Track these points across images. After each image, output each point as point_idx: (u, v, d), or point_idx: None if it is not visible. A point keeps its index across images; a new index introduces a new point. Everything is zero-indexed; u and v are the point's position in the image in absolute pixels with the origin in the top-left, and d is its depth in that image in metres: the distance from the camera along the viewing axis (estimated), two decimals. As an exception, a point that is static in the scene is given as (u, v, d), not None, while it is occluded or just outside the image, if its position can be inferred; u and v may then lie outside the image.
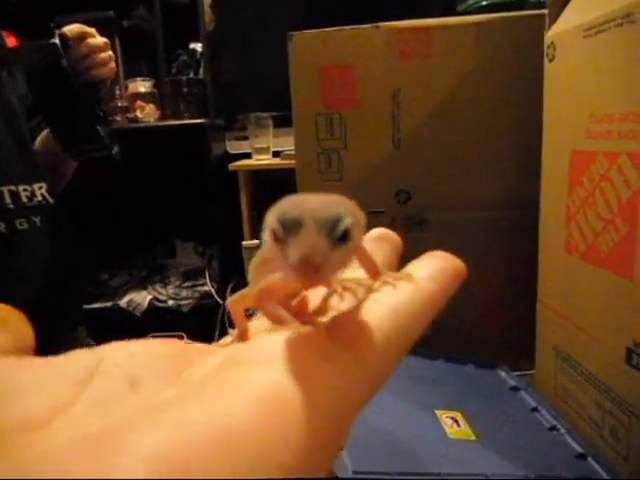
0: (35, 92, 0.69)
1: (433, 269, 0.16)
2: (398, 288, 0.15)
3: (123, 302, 1.47)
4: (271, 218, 0.14)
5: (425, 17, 0.59)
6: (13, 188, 0.66)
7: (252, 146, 1.45)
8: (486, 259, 0.61)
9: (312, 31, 0.62)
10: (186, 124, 1.46)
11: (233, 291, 1.36)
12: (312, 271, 0.13)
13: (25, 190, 0.68)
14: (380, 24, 0.60)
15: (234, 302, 0.20)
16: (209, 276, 1.53)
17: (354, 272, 0.17)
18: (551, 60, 0.47)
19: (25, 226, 0.67)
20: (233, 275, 1.47)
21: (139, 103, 1.48)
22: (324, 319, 0.15)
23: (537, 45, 0.48)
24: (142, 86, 1.51)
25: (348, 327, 0.14)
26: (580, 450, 0.39)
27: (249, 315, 0.20)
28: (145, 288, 1.53)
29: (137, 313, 1.44)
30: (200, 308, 1.47)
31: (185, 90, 1.49)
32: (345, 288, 0.17)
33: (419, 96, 0.60)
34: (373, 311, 0.14)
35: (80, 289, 0.86)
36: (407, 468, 0.34)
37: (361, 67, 0.61)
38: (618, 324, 0.37)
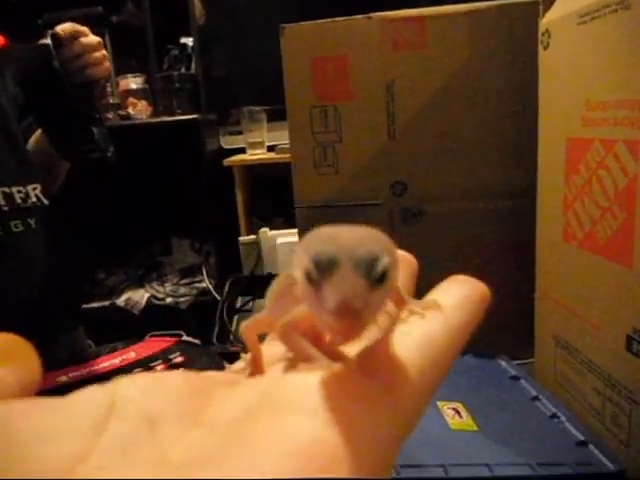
0: (27, 94, 0.68)
1: (459, 296, 0.15)
2: (427, 318, 0.14)
3: (121, 301, 1.46)
4: (303, 256, 0.13)
5: (418, 6, 0.59)
6: (7, 190, 0.66)
7: (246, 141, 1.44)
8: (484, 249, 0.60)
9: (304, 23, 0.61)
10: (179, 120, 1.45)
11: (231, 287, 1.36)
12: (352, 316, 0.12)
13: (19, 192, 0.67)
14: (373, 15, 0.59)
15: (248, 328, 0.19)
16: (206, 272, 1.52)
17: None
18: (546, 48, 0.47)
19: (20, 228, 0.66)
20: (230, 271, 1.47)
21: (131, 100, 1.46)
22: (351, 352, 0.14)
23: (532, 33, 0.48)
24: (133, 82, 1.50)
25: (382, 364, 0.13)
26: (581, 437, 0.39)
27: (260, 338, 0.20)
28: (142, 286, 1.53)
29: (135, 312, 1.44)
30: (198, 305, 1.47)
31: (177, 85, 1.48)
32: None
33: (413, 86, 0.60)
34: (404, 344, 0.13)
35: (77, 289, 0.86)
36: (410, 460, 0.34)
37: (354, 58, 0.60)
38: (617, 312, 0.37)
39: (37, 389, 0.13)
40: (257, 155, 1.43)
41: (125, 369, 0.52)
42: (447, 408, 0.42)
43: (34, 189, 0.69)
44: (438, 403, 0.42)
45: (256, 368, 0.18)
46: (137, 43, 1.54)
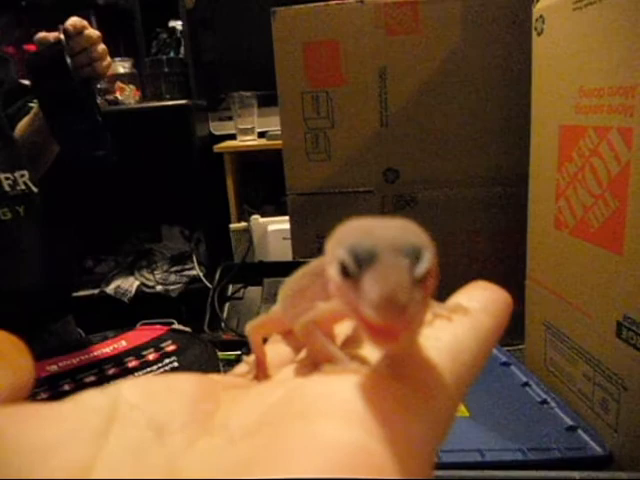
0: (38, 87, 0.66)
1: (485, 301, 0.14)
2: (454, 322, 0.13)
3: (110, 289, 1.45)
4: (337, 249, 0.12)
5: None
6: None
7: (236, 127, 1.43)
8: (476, 236, 0.61)
9: (296, 7, 0.60)
10: (168, 105, 1.43)
11: (222, 274, 1.35)
12: (397, 313, 0.11)
13: (7, 179, 0.66)
14: (365, -1, 0.58)
15: (254, 328, 0.18)
16: (197, 260, 1.52)
17: None
18: (540, 34, 0.46)
19: (9, 216, 0.65)
20: (221, 258, 1.47)
21: (119, 84, 1.44)
22: (373, 354, 0.13)
23: (526, 18, 0.47)
24: (121, 67, 1.47)
25: (415, 368, 0.12)
26: (570, 423, 0.40)
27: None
28: (132, 274, 1.51)
29: (125, 300, 1.43)
30: (189, 293, 1.46)
31: (166, 70, 1.46)
32: None
33: (406, 73, 0.59)
34: (434, 348, 0.12)
35: (67, 278, 0.85)
36: (403, 447, 0.34)
37: (346, 43, 0.60)
38: (608, 298, 0.38)
39: (30, 390, 0.12)
40: (248, 141, 1.42)
41: (117, 358, 0.52)
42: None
43: (22, 176, 0.68)
44: (430, 390, 0.42)
45: (260, 371, 0.17)
46: (125, 26, 1.51)
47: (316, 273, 0.16)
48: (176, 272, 1.51)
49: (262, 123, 1.41)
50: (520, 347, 0.54)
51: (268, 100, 1.30)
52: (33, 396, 0.42)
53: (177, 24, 1.53)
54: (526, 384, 0.46)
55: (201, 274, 1.47)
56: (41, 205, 0.71)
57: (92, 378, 0.48)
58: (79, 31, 0.65)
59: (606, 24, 0.37)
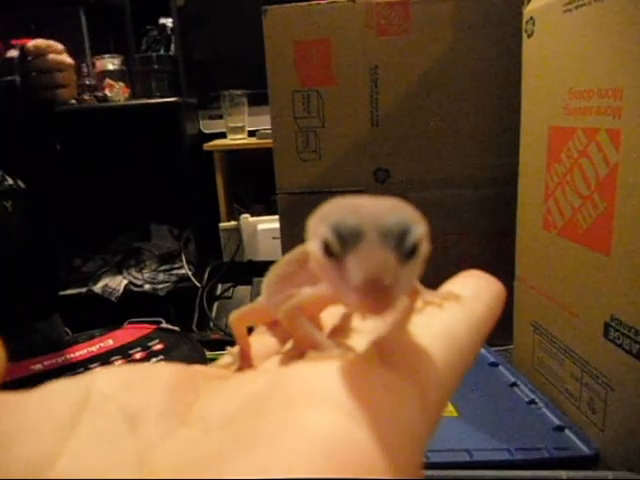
0: None
1: (477, 288, 0.14)
2: (446, 309, 0.13)
3: (98, 288, 1.44)
4: (320, 227, 0.11)
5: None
6: None
7: (227, 125, 1.42)
8: (465, 236, 0.61)
9: (288, 5, 0.60)
10: (158, 103, 1.42)
11: (211, 274, 1.35)
12: (381, 294, 0.10)
13: None
14: (357, -2, 0.58)
15: (237, 319, 0.18)
16: (186, 259, 1.51)
17: None
18: (530, 36, 0.47)
19: None
20: (210, 257, 1.46)
21: (108, 81, 1.43)
22: (364, 342, 0.13)
23: (517, 20, 0.47)
24: (110, 63, 1.46)
25: (404, 354, 0.11)
26: (558, 422, 0.40)
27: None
28: (120, 273, 1.50)
29: (113, 299, 1.42)
30: (177, 292, 1.45)
31: (156, 67, 1.45)
32: None
33: (397, 73, 0.59)
34: (425, 335, 0.12)
35: (54, 275, 0.84)
36: (391, 447, 0.34)
37: (338, 42, 0.59)
38: (596, 299, 0.38)
39: (1, 379, 0.12)
40: (238, 140, 1.41)
41: (103, 357, 0.51)
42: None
43: None
44: (419, 390, 0.42)
45: (245, 363, 0.17)
46: (114, 23, 1.50)
47: (301, 259, 0.15)
48: (165, 271, 1.50)
49: (252, 122, 1.41)
50: (508, 347, 0.54)
51: (259, 99, 1.29)
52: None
53: (167, 21, 1.52)
54: (514, 384, 0.46)
55: (190, 273, 1.46)
56: (29, 201, 0.70)
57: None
58: (40, 53, 0.65)
59: (596, 27, 0.37)
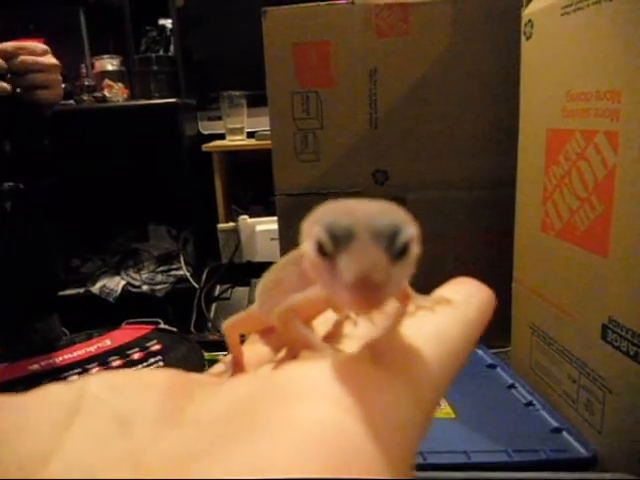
0: None
1: (467, 294, 0.14)
2: (437, 312, 0.13)
3: (95, 288, 1.44)
4: (314, 227, 0.11)
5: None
6: None
7: (225, 126, 1.42)
8: (464, 238, 0.61)
9: (287, 7, 0.60)
10: (157, 104, 1.42)
11: (209, 275, 1.34)
12: (372, 292, 0.11)
13: None
14: (356, 0, 0.58)
15: (230, 326, 0.18)
16: (184, 260, 1.51)
17: None
18: (528, 38, 0.47)
19: None
20: (208, 259, 1.46)
21: (107, 82, 1.42)
22: (353, 347, 0.13)
23: (516, 22, 0.47)
24: (109, 64, 1.46)
25: (397, 355, 0.12)
26: (555, 424, 0.40)
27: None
28: (118, 274, 1.50)
29: (110, 299, 1.42)
30: (175, 293, 1.45)
31: (155, 68, 1.45)
32: (359, 313, 0.15)
33: (396, 74, 0.59)
34: (416, 337, 0.12)
35: (53, 275, 0.84)
36: (389, 448, 0.34)
37: (337, 44, 0.60)
38: (593, 301, 0.38)
39: None
40: (237, 141, 1.41)
41: (101, 357, 0.51)
42: (425, 396, 0.42)
43: None
44: (417, 391, 0.42)
45: (237, 371, 0.17)
46: (114, 23, 1.50)
47: (294, 262, 0.15)
48: (163, 272, 1.49)
49: (251, 123, 1.41)
50: (506, 349, 0.54)
51: (258, 100, 1.29)
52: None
53: (167, 22, 1.52)
54: (512, 386, 0.46)
55: (188, 274, 1.46)
56: (28, 202, 0.70)
57: (75, 378, 0.47)
58: (11, 54, 0.64)
59: (594, 29, 0.37)
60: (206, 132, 1.53)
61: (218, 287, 1.30)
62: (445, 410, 0.41)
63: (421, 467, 0.33)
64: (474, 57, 0.58)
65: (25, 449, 0.09)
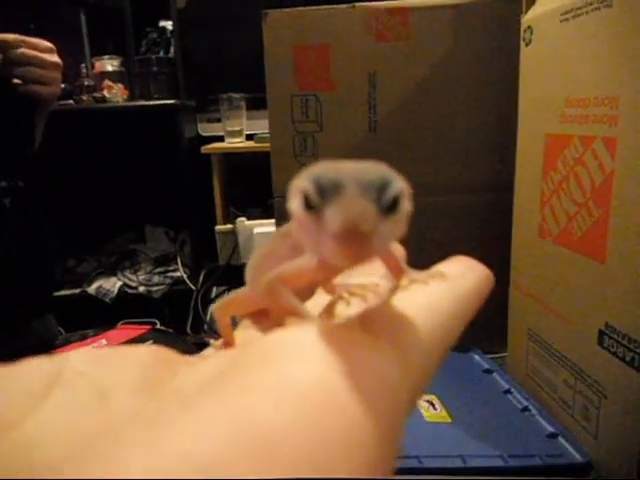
0: None
1: (464, 270, 0.14)
2: (430, 286, 0.13)
3: (92, 289, 1.43)
4: (301, 182, 0.11)
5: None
6: None
7: (224, 129, 1.42)
8: (461, 243, 0.61)
9: (287, 10, 0.60)
10: (156, 105, 1.42)
11: (206, 277, 1.34)
12: (359, 243, 0.10)
13: None
14: (357, 4, 0.59)
15: (221, 308, 0.17)
16: (181, 262, 1.50)
17: (367, 277, 0.15)
18: (527, 44, 0.47)
19: None
20: (206, 260, 1.46)
21: (107, 82, 1.43)
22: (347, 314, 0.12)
23: (516, 28, 0.48)
24: (109, 64, 1.46)
25: (387, 323, 0.11)
26: (551, 430, 0.40)
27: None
28: (115, 274, 1.50)
29: (107, 300, 1.41)
30: (172, 294, 1.45)
31: (155, 69, 1.45)
32: (352, 294, 0.15)
33: (395, 79, 0.60)
34: (408, 308, 0.12)
35: (49, 274, 0.83)
36: (384, 451, 0.34)
37: (337, 48, 0.60)
38: (590, 306, 0.38)
39: None
40: (236, 143, 1.41)
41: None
42: (422, 400, 0.42)
43: None
44: (413, 395, 0.42)
45: None
46: (114, 24, 1.50)
47: (284, 235, 0.15)
48: (160, 273, 1.49)
49: (251, 125, 1.41)
50: (503, 355, 0.54)
51: (257, 103, 1.29)
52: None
53: (167, 24, 1.52)
54: (508, 391, 0.46)
55: (185, 276, 1.45)
56: (27, 199, 0.70)
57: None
58: (11, 46, 0.64)
59: (592, 36, 0.37)
60: (205, 134, 1.53)
61: (215, 289, 1.30)
62: (441, 414, 0.41)
63: (417, 471, 0.33)
64: (474, 62, 0.58)
65: None
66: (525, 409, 0.43)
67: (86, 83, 1.44)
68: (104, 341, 0.54)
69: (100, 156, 1.49)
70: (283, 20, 0.60)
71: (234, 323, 0.18)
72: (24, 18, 1.40)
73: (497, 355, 0.54)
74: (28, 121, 0.69)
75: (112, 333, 0.56)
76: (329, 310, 0.15)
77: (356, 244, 0.10)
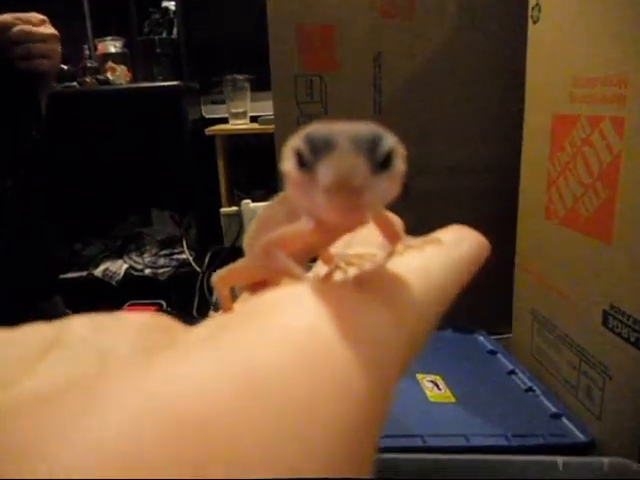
0: None
1: (459, 236, 0.14)
2: (425, 251, 0.13)
3: (98, 271, 1.44)
4: (294, 141, 0.11)
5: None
6: None
7: (228, 110, 1.41)
8: (468, 224, 0.61)
9: (291, -12, 0.59)
10: (160, 86, 1.41)
11: (211, 259, 1.35)
12: (351, 198, 0.10)
13: None
14: (361, -18, 0.58)
15: (221, 279, 0.17)
16: (186, 244, 1.51)
17: (365, 247, 0.15)
18: (535, 22, 0.46)
19: None
20: (211, 243, 1.46)
21: (110, 64, 1.42)
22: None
23: (523, 5, 0.47)
24: (112, 46, 1.45)
25: (381, 282, 0.11)
26: (555, 410, 0.41)
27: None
28: (121, 257, 1.50)
29: (113, 282, 1.42)
30: (178, 276, 1.46)
31: (158, 51, 1.44)
32: (349, 263, 0.15)
33: (401, 58, 0.59)
34: (402, 271, 0.12)
35: (55, 257, 0.84)
36: (390, 431, 0.34)
37: (341, 27, 0.59)
38: (596, 287, 0.38)
39: None
40: (240, 125, 1.40)
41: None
42: (426, 381, 0.42)
43: None
44: (417, 376, 0.43)
45: None
46: (117, 5, 1.49)
47: (280, 202, 0.15)
48: (165, 256, 1.50)
49: (255, 107, 1.40)
50: (507, 336, 0.54)
51: (261, 84, 1.28)
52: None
53: (170, 4, 1.51)
54: (512, 372, 0.46)
55: (190, 258, 1.46)
56: (30, 183, 0.70)
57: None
58: (8, 25, 0.63)
59: (601, 13, 0.37)
60: (209, 116, 1.53)
61: (220, 271, 1.30)
62: (445, 394, 0.41)
63: (420, 449, 0.34)
64: (480, 40, 0.57)
65: None
66: (529, 390, 0.44)
67: (89, 65, 1.44)
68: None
69: (104, 139, 1.49)
70: (287, 0, 0.59)
71: (234, 296, 0.18)
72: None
73: (502, 336, 0.55)
74: (34, 99, 0.68)
75: (119, 315, 0.56)
76: (327, 279, 0.15)
77: (348, 199, 0.10)
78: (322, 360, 0.08)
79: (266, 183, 1.40)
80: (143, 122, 1.48)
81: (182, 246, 1.51)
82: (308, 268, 0.16)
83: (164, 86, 1.40)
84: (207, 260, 1.36)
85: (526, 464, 0.33)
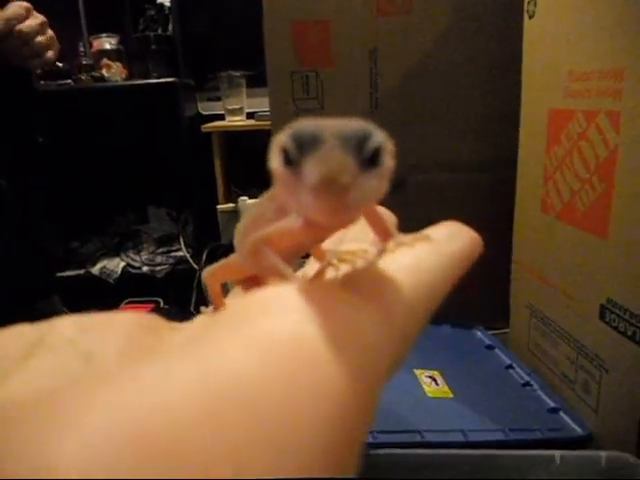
0: None
1: (450, 233, 0.14)
2: (416, 247, 0.13)
3: (95, 269, 1.44)
4: (281, 138, 0.11)
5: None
6: None
7: (225, 107, 1.41)
8: (464, 220, 0.61)
9: (286, -17, 0.59)
10: (155, 83, 1.40)
11: (209, 256, 1.35)
12: (338, 196, 0.10)
13: None
14: (357, -23, 0.57)
15: (211, 275, 0.17)
16: (184, 241, 1.51)
17: (357, 244, 0.15)
18: (531, 17, 0.46)
19: None
20: (208, 240, 1.46)
21: (105, 61, 1.41)
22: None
23: (519, 0, 0.47)
24: (107, 43, 1.44)
25: (369, 281, 0.11)
26: (552, 404, 0.41)
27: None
28: (118, 255, 1.50)
29: (110, 280, 1.42)
30: (175, 274, 1.46)
31: (153, 47, 1.43)
32: (341, 260, 0.15)
33: (397, 54, 0.59)
34: (392, 269, 0.12)
35: (52, 256, 0.84)
36: (388, 426, 0.34)
37: (337, 23, 0.59)
38: (592, 282, 0.38)
39: None
40: (236, 122, 1.40)
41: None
42: (424, 376, 0.42)
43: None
44: (415, 371, 0.43)
45: None
46: (112, 1, 1.48)
47: (269, 199, 0.15)
48: (162, 253, 1.50)
49: (251, 104, 1.40)
50: (505, 331, 0.55)
51: (257, 80, 1.28)
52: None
53: (165, 0, 1.50)
54: (510, 367, 0.47)
55: (188, 255, 1.46)
56: (27, 181, 0.70)
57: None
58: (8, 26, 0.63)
59: (597, 7, 0.37)
60: (205, 113, 1.52)
61: (218, 269, 1.30)
62: (443, 389, 0.41)
63: (418, 445, 0.34)
64: (476, 36, 0.57)
65: None
66: (526, 384, 0.44)
67: (84, 62, 1.43)
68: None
69: (100, 136, 1.48)
70: (282, -6, 0.59)
71: (226, 291, 0.18)
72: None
73: (499, 331, 0.55)
74: (31, 92, 0.68)
75: (116, 313, 0.56)
76: (318, 276, 0.15)
77: (335, 198, 0.10)
78: (304, 370, 0.08)
79: (263, 180, 1.40)
80: (139, 119, 1.47)
81: (179, 243, 1.51)
82: (300, 264, 0.16)
83: (160, 83, 1.40)
84: (204, 257, 1.36)
85: (524, 458, 0.33)
